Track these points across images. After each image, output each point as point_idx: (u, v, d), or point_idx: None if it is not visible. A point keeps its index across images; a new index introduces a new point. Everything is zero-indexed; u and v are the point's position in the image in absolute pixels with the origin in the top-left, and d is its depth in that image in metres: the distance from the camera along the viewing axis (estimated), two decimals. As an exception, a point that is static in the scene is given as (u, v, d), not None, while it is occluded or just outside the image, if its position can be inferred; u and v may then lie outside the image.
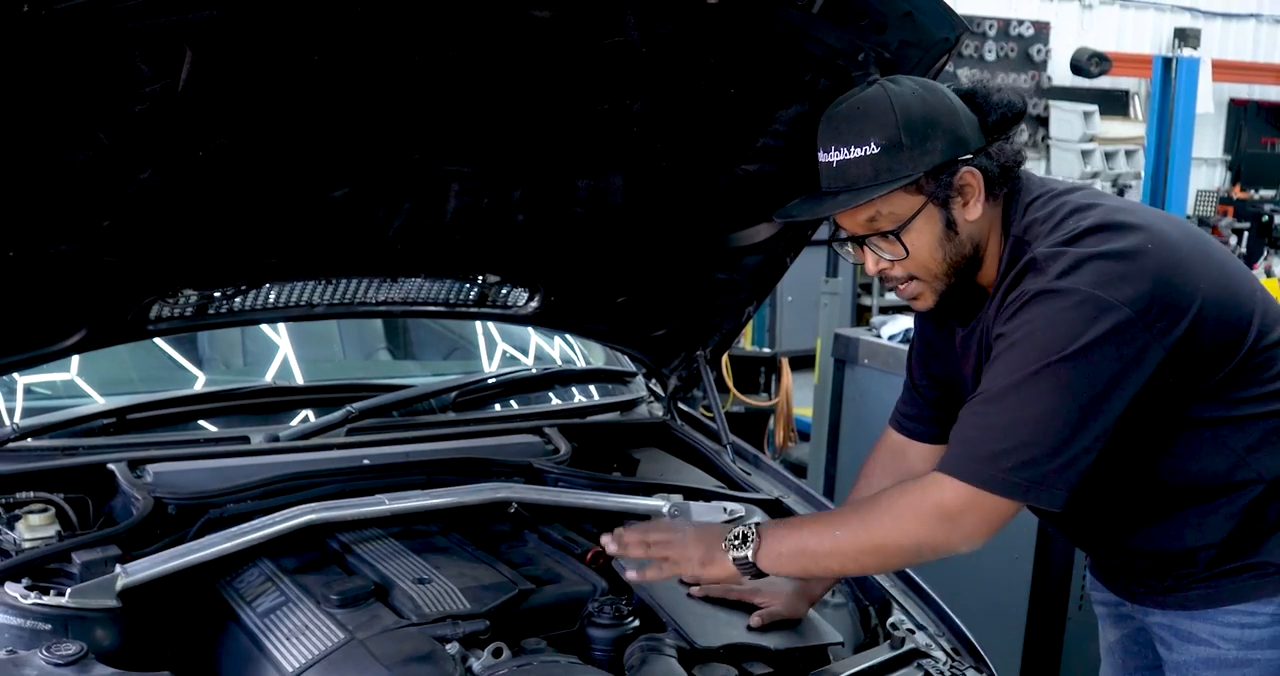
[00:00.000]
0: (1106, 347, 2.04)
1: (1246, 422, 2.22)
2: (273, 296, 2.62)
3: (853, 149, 2.16)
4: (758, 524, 2.25)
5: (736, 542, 2.19)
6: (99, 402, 2.88)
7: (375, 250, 2.56)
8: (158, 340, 3.05)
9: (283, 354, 3.26)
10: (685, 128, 2.49)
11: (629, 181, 2.58)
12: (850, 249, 2.33)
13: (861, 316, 9.76)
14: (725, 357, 4.93)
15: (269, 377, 3.22)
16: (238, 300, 2.58)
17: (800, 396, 6.96)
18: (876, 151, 2.14)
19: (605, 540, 2.18)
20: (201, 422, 2.83)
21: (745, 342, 7.39)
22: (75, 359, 2.95)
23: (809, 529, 2.23)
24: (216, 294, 2.54)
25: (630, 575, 2.14)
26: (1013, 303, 2.14)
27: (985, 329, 2.25)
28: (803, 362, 7.10)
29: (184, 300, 2.52)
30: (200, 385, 3.11)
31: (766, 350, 7.14)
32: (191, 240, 2.36)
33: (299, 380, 3.21)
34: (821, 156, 2.22)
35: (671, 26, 2.21)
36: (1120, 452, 2.19)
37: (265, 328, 3.26)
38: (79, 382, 2.96)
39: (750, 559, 2.18)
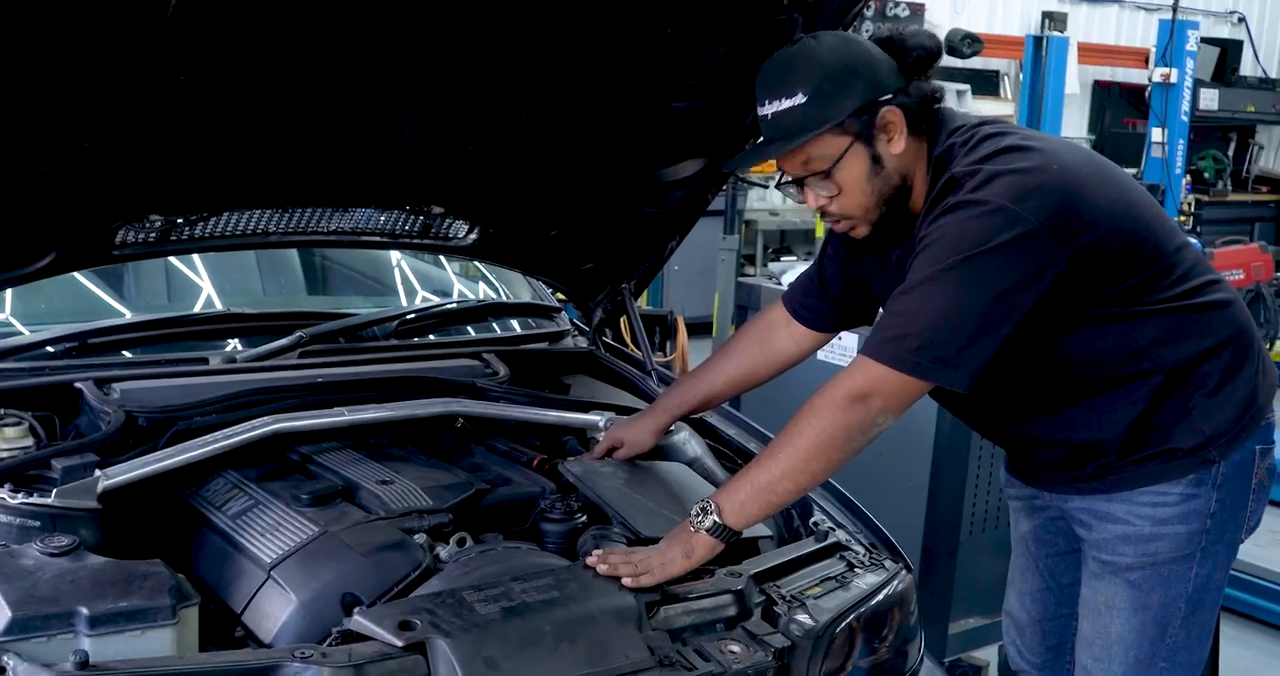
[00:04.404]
0: (1011, 252, 2.28)
1: (1147, 318, 2.47)
2: (231, 224, 2.74)
3: (783, 101, 2.40)
4: (707, 497, 2.39)
5: (700, 519, 2.34)
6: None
7: (333, 179, 2.70)
8: (83, 279, 3.16)
9: (206, 293, 3.39)
10: (624, 65, 2.68)
11: (570, 116, 2.76)
12: (793, 190, 2.56)
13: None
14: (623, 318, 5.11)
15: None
16: (199, 226, 2.70)
17: (692, 359, 7.17)
18: (804, 101, 2.38)
19: (592, 561, 2.28)
20: (159, 346, 2.93)
21: (641, 302, 7.54)
22: (8, 297, 3.06)
23: (753, 470, 2.39)
24: (180, 220, 2.65)
25: (627, 581, 2.24)
26: (935, 214, 2.39)
27: (915, 245, 2.47)
28: (691, 330, 7.30)
29: (150, 225, 2.62)
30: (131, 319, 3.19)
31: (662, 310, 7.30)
32: (164, 165, 2.47)
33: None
34: (759, 111, 2.45)
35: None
36: (1032, 348, 2.44)
37: (184, 268, 3.39)
38: (13, 321, 3.03)
39: (719, 521, 2.33)
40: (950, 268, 2.30)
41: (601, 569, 2.26)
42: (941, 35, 12.18)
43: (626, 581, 2.23)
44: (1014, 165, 2.35)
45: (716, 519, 2.33)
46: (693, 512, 2.36)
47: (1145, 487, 2.55)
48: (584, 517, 2.51)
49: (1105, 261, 2.40)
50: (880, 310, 2.56)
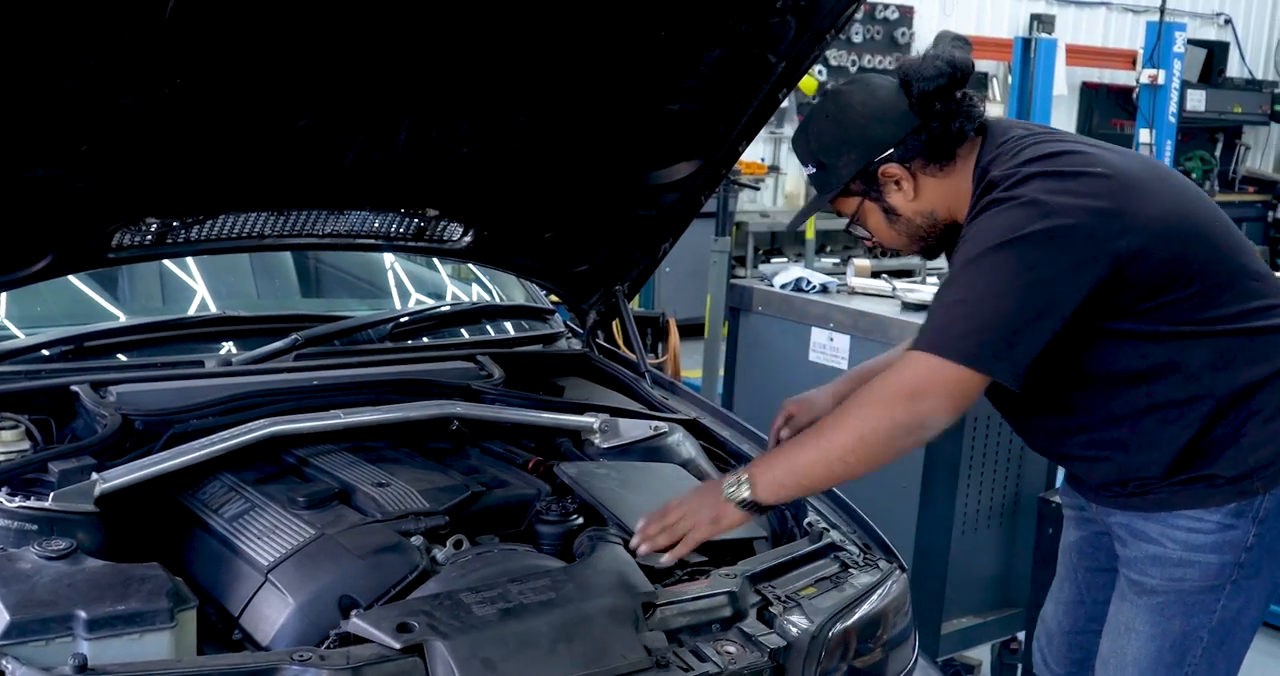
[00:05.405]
0: (1044, 242, 2.29)
1: (1199, 339, 2.44)
2: (227, 226, 2.75)
3: (804, 169, 2.64)
4: (745, 466, 2.43)
5: (733, 490, 2.36)
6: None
7: (329, 181, 2.70)
8: (78, 282, 3.17)
9: (200, 296, 3.40)
10: (619, 68, 2.69)
11: (565, 118, 2.77)
12: None
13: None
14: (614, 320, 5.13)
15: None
16: (195, 229, 2.70)
17: (683, 361, 7.17)
18: (814, 171, 2.60)
19: (635, 544, 2.35)
20: (155, 349, 2.94)
21: (633, 305, 7.53)
22: (3, 300, 3.06)
23: (793, 449, 2.41)
24: (176, 222, 2.66)
25: (665, 559, 2.34)
26: (973, 214, 2.43)
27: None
28: (683, 331, 7.30)
29: (145, 228, 2.63)
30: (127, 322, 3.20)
31: (654, 312, 7.31)
32: (161, 167, 2.48)
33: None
34: None
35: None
36: (1084, 367, 2.45)
37: (178, 271, 3.39)
38: (9, 325, 3.03)
39: (750, 497, 2.35)
40: (980, 256, 2.32)
41: (643, 550, 2.33)
42: (930, 38, 12.24)
43: (666, 559, 2.33)
44: (1052, 167, 2.38)
45: (749, 495, 2.35)
46: (727, 481, 2.38)
47: (1183, 511, 2.52)
48: (580, 519, 2.52)
49: (1152, 269, 2.38)
50: None
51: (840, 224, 2.71)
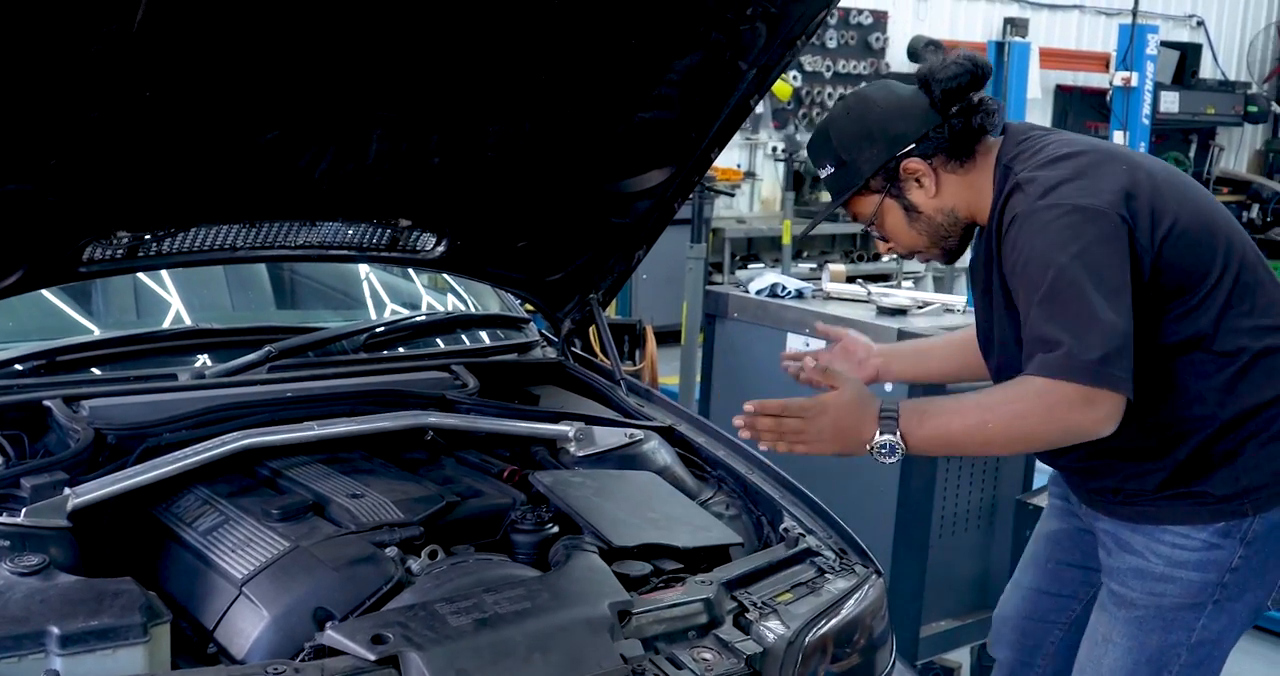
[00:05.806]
0: (1107, 246, 2.31)
1: (1215, 359, 2.44)
2: (199, 239, 2.74)
3: (820, 171, 2.67)
4: (893, 420, 2.35)
5: (884, 454, 2.35)
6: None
7: (300, 193, 2.70)
8: (51, 296, 3.15)
9: (174, 309, 3.39)
10: (589, 76, 2.69)
11: (536, 128, 2.77)
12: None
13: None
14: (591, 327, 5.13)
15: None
16: (167, 242, 2.69)
17: (661, 368, 7.18)
18: (832, 171, 2.60)
19: (740, 426, 2.37)
20: (128, 363, 2.92)
21: (610, 311, 7.53)
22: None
23: (955, 419, 2.38)
24: (148, 236, 2.65)
25: (763, 447, 2.38)
26: (1009, 227, 2.43)
27: (987, 247, 2.54)
28: (660, 338, 7.31)
29: (117, 242, 2.62)
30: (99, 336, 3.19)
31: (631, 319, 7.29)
32: (131, 181, 2.47)
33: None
34: None
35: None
36: None
37: (153, 284, 3.38)
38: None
39: (900, 460, 2.37)
40: (1061, 274, 2.29)
41: (744, 434, 2.38)
42: (905, 41, 12.26)
43: (763, 446, 2.40)
44: (1079, 168, 2.40)
45: (895, 460, 2.37)
46: (879, 441, 2.36)
47: (1169, 526, 2.52)
48: (555, 528, 2.52)
49: (1176, 270, 2.40)
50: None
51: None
